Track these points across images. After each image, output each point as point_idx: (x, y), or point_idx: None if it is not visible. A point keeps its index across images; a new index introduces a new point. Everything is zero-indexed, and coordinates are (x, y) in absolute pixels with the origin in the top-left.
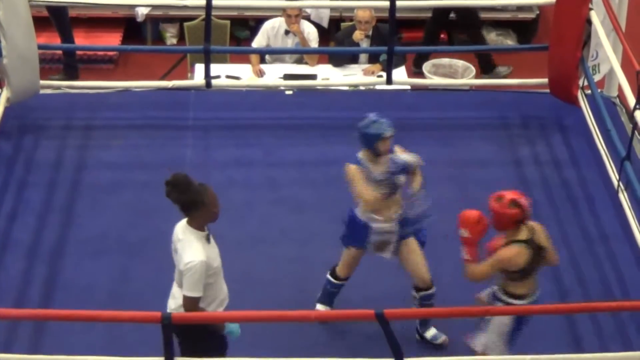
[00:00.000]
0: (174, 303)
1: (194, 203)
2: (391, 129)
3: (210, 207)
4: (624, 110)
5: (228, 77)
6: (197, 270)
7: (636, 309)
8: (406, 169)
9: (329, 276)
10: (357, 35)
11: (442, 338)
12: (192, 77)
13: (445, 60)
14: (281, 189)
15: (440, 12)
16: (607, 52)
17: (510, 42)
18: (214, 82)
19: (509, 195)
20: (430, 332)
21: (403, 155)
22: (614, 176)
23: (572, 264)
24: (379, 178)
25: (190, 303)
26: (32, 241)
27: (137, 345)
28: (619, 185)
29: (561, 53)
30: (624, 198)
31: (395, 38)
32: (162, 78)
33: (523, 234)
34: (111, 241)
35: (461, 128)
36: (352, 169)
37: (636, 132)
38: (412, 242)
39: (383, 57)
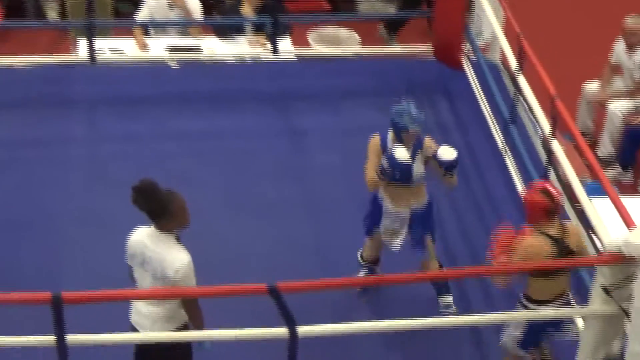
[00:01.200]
0: (153, 321)
1: (159, 211)
2: (419, 125)
3: (177, 217)
4: (507, 73)
5: (112, 51)
6: (190, 269)
7: (523, 270)
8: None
9: (359, 258)
10: (246, 9)
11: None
12: (75, 52)
13: (330, 30)
14: (168, 162)
15: None
16: (489, 17)
17: (393, 10)
18: (98, 56)
19: (540, 184)
20: (445, 299)
21: (442, 148)
22: (499, 139)
23: (461, 229)
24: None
25: (195, 305)
26: None
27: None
28: (504, 148)
29: (445, 19)
30: (509, 161)
31: (280, 7)
32: (46, 54)
33: (553, 230)
34: None
35: (348, 96)
36: (372, 141)
37: (519, 96)
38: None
39: (267, 27)
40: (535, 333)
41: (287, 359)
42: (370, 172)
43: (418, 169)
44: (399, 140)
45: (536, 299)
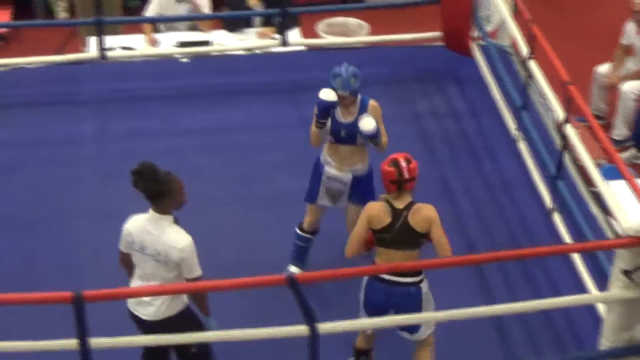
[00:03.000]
0: (156, 307)
1: (160, 192)
2: (348, 89)
3: (177, 196)
4: (517, 58)
5: (122, 48)
6: (192, 249)
7: (541, 255)
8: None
9: (296, 229)
10: (253, 1)
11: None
12: (86, 50)
13: (339, 19)
14: (181, 157)
15: None
16: (497, 2)
17: None
18: (108, 53)
19: (395, 155)
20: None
21: (362, 120)
22: (511, 125)
23: (476, 214)
24: (338, 123)
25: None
26: None
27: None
28: (517, 134)
29: (453, 5)
30: (523, 146)
31: None
32: (56, 53)
33: (399, 203)
34: (12, 221)
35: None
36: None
37: (530, 80)
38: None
39: (277, 19)
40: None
41: (309, 357)
42: (313, 127)
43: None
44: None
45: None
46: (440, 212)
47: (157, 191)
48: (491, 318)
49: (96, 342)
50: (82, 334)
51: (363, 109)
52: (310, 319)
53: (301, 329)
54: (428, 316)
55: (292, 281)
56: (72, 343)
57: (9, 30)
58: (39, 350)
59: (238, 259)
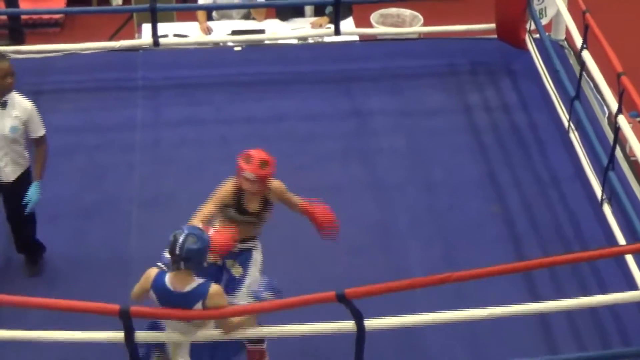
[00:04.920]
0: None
1: None
2: None
3: None
4: (571, 52)
5: (176, 35)
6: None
7: (593, 259)
8: None
9: None
10: None
11: None
12: (139, 37)
13: (393, 10)
14: (233, 145)
15: None
16: None
17: None
18: (161, 41)
19: (254, 151)
20: None
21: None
22: (564, 117)
23: (525, 208)
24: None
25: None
26: None
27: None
28: (569, 125)
29: None
30: (574, 138)
31: None
32: (110, 39)
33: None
34: (65, 205)
35: (410, 77)
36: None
37: (584, 73)
38: None
39: (329, 9)
40: None
41: (355, 353)
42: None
43: None
44: None
45: None
46: (489, 205)
47: None
48: (538, 316)
49: (142, 335)
50: (131, 343)
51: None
52: (357, 316)
53: (348, 325)
54: (472, 314)
55: (342, 297)
56: (119, 336)
57: (63, 16)
58: (87, 340)
59: (288, 249)
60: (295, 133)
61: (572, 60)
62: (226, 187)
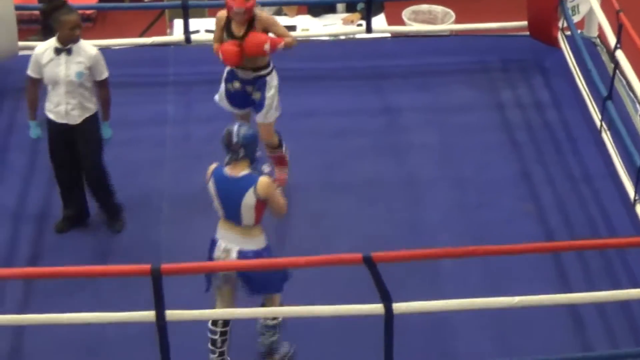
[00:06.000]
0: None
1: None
2: None
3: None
4: (604, 50)
5: (207, 31)
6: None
7: (622, 246)
8: None
9: None
10: None
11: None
12: (171, 33)
13: (425, 7)
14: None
15: None
16: None
17: None
18: (193, 37)
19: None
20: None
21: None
22: (596, 116)
23: (557, 205)
24: None
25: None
26: (17, 204)
27: (124, 306)
28: (601, 124)
29: None
30: (607, 137)
31: None
32: (141, 35)
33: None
34: None
35: (442, 74)
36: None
37: (617, 72)
38: None
39: (361, 5)
40: None
41: (384, 336)
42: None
43: None
44: None
45: None
46: (520, 202)
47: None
48: (568, 307)
49: (172, 314)
50: (160, 307)
51: None
52: (386, 298)
53: (377, 308)
54: (501, 301)
55: (368, 260)
56: (149, 315)
57: (95, 12)
58: (117, 321)
59: (319, 245)
60: (326, 129)
61: (604, 58)
62: (220, 16)
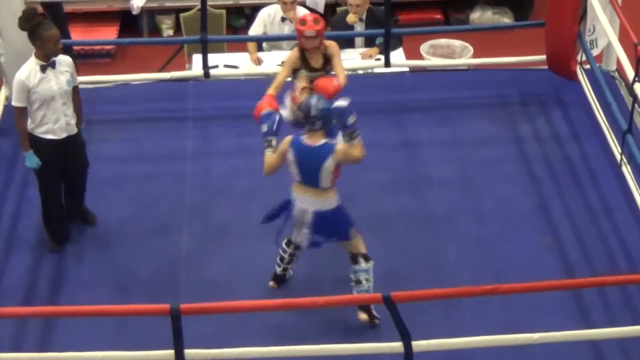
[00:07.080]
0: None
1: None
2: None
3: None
4: (623, 83)
5: (226, 66)
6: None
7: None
8: None
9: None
10: (351, 17)
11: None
12: (190, 68)
13: (443, 41)
14: (283, 176)
15: None
16: (604, 26)
17: (507, 19)
18: (212, 71)
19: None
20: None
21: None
22: (616, 150)
23: (577, 239)
24: None
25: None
26: (36, 238)
27: (146, 339)
28: (621, 158)
29: (558, 29)
30: (627, 171)
31: (391, 20)
32: (160, 70)
33: None
34: (115, 234)
35: (460, 108)
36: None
37: (636, 105)
38: None
39: (379, 40)
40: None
41: None
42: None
43: None
44: None
45: None
46: (540, 235)
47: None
48: (589, 343)
49: (191, 353)
50: (179, 346)
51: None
52: (405, 337)
53: (397, 346)
54: (522, 338)
55: (388, 300)
56: (169, 354)
57: (114, 47)
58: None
59: (337, 278)
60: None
61: (624, 91)
62: (291, 55)
